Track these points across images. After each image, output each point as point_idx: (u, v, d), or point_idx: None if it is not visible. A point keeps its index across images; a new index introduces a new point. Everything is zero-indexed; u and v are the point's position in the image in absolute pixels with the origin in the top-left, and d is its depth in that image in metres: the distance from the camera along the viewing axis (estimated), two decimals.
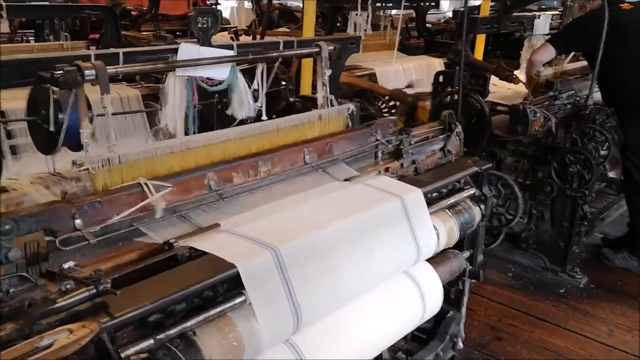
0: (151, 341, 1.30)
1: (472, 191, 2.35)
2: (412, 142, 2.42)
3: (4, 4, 3.73)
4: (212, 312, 1.41)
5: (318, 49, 2.21)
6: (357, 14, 4.63)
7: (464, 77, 3.75)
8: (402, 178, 2.17)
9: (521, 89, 4.43)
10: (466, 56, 3.74)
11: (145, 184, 1.61)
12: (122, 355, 1.24)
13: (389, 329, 1.94)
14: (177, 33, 5.63)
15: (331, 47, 2.22)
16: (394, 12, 5.83)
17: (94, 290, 1.27)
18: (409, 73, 4.86)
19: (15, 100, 2.58)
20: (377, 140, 2.31)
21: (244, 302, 1.46)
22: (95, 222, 1.50)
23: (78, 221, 1.46)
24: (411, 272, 2.04)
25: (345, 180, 2.07)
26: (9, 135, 2.78)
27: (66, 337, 1.13)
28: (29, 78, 1.61)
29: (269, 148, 1.99)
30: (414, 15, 6.08)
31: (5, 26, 4.46)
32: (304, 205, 1.85)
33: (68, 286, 1.29)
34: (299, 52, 2.29)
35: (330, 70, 2.21)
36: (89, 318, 1.23)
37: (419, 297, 2.04)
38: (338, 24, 5.51)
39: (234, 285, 1.48)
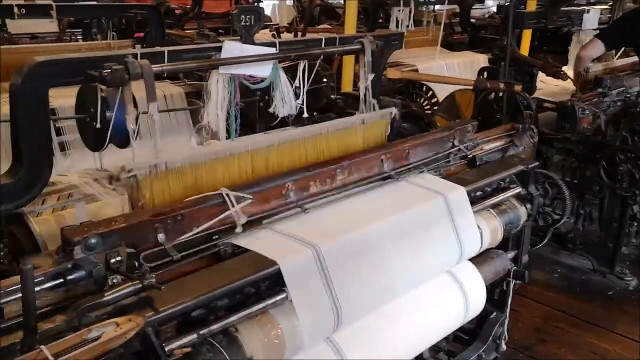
0: (194, 336, 1.31)
1: (517, 190, 2.30)
2: (487, 148, 2.37)
3: (53, 4, 3.84)
4: (254, 308, 1.42)
5: (360, 46, 2.20)
6: (399, 10, 4.58)
7: (510, 73, 3.67)
8: (446, 176, 2.14)
9: (569, 85, 4.31)
10: (512, 52, 3.66)
11: (227, 195, 1.58)
12: (166, 349, 1.26)
13: (430, 328, 1.92)
14: (220, 31, 5.69)
15: (374, 44, 2.20)
16: (437, 7, 5.75)
17: (139, 285, 1.30)
18: (452, 69, 4.79)
19: (65, 97, 2.66)
20: (454, 145, 2.24)
21: (285, 299, 1.47)
22: (177, 235, 1.48)
23: (161, 236, 1.45)
24: (454, 271, 2.02)
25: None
26: (59, 132, 2.86)
27: (113, 330, 1.15)
28: (79, 77, 1.64)
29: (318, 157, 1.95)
30: (457, 10, 5.99)
31: (54, 26, 4.59)
32: (345, 203, 1.84)
33: (115, 280, 1.32)
34: (341, 49, 2.27)
35: (373, 74, 2.19)
36: (135, 312, 1.26)
37: (461, 297, 2.01)
38: (380, 20, 5.46)
39: (275, 283, 1.49)
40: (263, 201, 1.68)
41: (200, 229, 1.52)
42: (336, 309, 1.53)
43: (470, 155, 2.29)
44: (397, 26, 4.61)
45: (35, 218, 1.86)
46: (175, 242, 1.47)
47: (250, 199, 1.62)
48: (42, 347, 1.08)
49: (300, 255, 1.52)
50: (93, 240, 1.30)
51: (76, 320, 1.20)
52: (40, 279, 1.24)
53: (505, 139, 2.52)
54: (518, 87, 3.29)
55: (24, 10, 3.64)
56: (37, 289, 1.19)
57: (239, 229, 1.59)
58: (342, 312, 1.54)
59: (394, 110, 2.23)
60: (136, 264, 1.39)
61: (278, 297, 1.46)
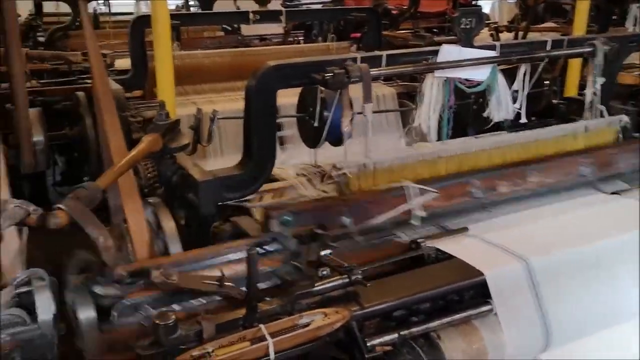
0: (395, 335, 1.33)
1: None
2: None
3: (283, 10, 4.18)
4: (457, 316, 1.40)
5: (591, 49, 2.02)
6: (638, 7, 4.11)
7: None
8: None
9: None
10: None
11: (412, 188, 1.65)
12: (368, 344, 1.30)
13: None
14: (434, 30, 5.65)
15: (607, 47, 2.00)
16: None
17: (347, 279, 1.36)
18: None
19: (286, 97, 2.87)
20: None
21: (489, 312, 1.42)
22: (360, 221, 1.58)
23: (346, 219, 1.56)
24: None
25: (613, 193, 1.86)
26: (279, 127, 3.09)
27: (321, 320, 1.23)
28: (303, 79, 1.77)
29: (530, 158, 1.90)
30: None
31: (280, 28, 4.99)
32: (562, 216, 1.72)
33: (324, 272, 1.40)
34: (569, 52, 2.10)
35: (604, 79, 2.00)
36: (341, 305, 1.32)
37: None
38: (614, 17, 4.95)
39: (480, 293, 1.45)
40: (446, 197, 1.69)
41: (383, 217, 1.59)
42: (546, 328, 1.44)
43: None
44: (634, 25, 4.13)
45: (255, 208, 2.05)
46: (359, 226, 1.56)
47: (435, 192, 1.65)
48: (261, 325, 1.18)
49: (509, 268, 1.46)
50: (287, 217, 1.46)
51: (289, 306, 1.29)
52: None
53: None
54: None
55: (258, 16, 4.00)
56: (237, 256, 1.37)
57: (414, 221, 1.63)
58: (553, 333, 1.44)
59: (624, 118, 2.02)
60: None
61: (483, 309, 1.42)
